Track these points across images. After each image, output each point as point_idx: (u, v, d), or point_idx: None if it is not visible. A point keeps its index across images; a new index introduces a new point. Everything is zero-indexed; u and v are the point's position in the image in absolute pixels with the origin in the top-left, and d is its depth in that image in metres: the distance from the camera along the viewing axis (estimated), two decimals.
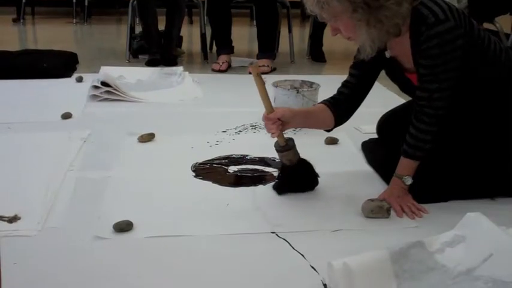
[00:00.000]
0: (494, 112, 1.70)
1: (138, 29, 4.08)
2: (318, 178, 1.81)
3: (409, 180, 1.66)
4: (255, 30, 3.81)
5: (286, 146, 1.72)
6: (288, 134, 2.32)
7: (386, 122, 2.06)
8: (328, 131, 1.91)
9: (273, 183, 1.81)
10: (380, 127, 2.08)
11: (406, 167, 1.66)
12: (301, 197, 1.74)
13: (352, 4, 1.50)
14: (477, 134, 1.72)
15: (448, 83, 1.58)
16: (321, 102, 1.86)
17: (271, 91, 2.45)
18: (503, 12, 3.54)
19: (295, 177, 1.76)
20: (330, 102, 1.83)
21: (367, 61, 1.69)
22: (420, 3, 1.56)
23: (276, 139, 1.73)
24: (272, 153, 2.07)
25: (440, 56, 1.55)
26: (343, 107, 1.83)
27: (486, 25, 3.47)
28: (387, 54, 1.73)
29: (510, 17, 3.90)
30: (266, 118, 1.69)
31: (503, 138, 1.73)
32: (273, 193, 1.76)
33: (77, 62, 3.64)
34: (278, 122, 1.68)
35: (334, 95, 1.85)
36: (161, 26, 3.76)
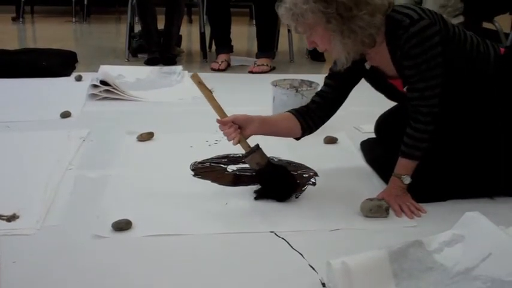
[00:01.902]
0: (488, 108, 1.71)
1: (138, 28, 4.08)
2: (309, 185, 1.80)
3: (407, 180, 1.66)
4: (254, 29, 3.81)
5: (250, 150, 1.71)
6: None
7: (384, 122, 2.06)
8: (297, 139, 1.87)
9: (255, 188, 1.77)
10: (378, 127, 2.08)
11: (404, 166, 1.66)
12: (300, 197, 1.74)
13: (325, 15, 1.53)
14: (476, 133, 1.72)
15: (435, 80, 1.60)
16: (289, 111, 1.84)
17: (270, 90, 2.45)
18: (503, 12, 3.54)
19: (271, 183, 1.72)
20: (298, 112, 1.82)
21: (343, 72, 1.70)
22: (392, 10, 1.60)
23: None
24: (271, 153, 2.08)
25: (422, 54, 1.57)
26: (314, 116, 1.83)
27: (485, 24, 3.47)
28: (367, 65, 1.75)
29: (509, 16, 3.90)
30: (220, 122, 1.69)
31: (502, 137, 1.73)
32: None
33: (76, 61, 3.64)
34: (234, 125, 1.68)
35: (308, 103, 1.86)
36: (160, 25, 3.76)
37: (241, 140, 1.70)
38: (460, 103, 1.70)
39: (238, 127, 1.69)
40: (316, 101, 1.84)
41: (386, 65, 1.70)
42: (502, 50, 1.75)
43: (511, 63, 1.71)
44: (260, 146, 1.73)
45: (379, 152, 2.00)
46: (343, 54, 1.61)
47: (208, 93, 1.71)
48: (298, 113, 1.82)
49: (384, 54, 1.66)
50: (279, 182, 1.72)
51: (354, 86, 1.84)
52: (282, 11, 1.59)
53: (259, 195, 1.72)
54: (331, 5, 1.52)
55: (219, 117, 1.70)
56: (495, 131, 1.72)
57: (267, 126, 1.78)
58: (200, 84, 1.71)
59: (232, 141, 1.69)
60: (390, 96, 1.87)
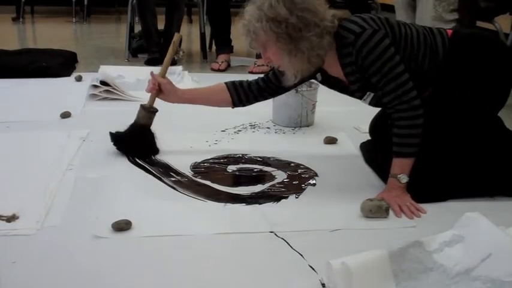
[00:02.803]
0: (470, 104, 1.71)
1: (138, 28, 4.08)
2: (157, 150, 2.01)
3: (404, 179, 1.66)
4: None
5: (148, 106, 1.99)
6: (287, 133, 2.34)
7: (377, 124, 2.06)
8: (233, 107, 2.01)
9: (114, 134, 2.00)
10: (372, 129, 2.09)
11: (398, 166, 1.67)
12: (300, 196, 1.74)
13: (275, 34, 1.61)
14: (475, 132, 1.72)
15: (403, 76, 1.63)
16: (226, 83, 1.99)
17: None
18: (503, 12, 3.53)
19: (130, 137, 1.98)
20: (234, 85, 1.97)
21: None
22: (339, 25, 1.66)
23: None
24: (271, 153, 2.08)
25: (378, 58, 1.62)
26: (250, 94, 1.96)
27: (485, 25, 3.47)
28: (318, 77, 1.85)
29: (509, 16, 3.90)
30: (152, 75, 1.96)
31: (502, 137, 1.73)
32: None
33: (76, 61, 3.64)
34: (156, 85, 1.95)
35: (252, 81, 1.97)
36: (160, 25, 3.76)
37: (152, 95, 1.99)
38: (434, 100, 1.72)
39: (161, 90, 1.96)
40: (259, 83, 1.96)
41: (343, 76, 1.75)
42: (450, 32, 1.77)
43: (457, 51, 1.73)
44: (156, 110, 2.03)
45: (378, 153, 2.00)
46: (291, 72, 1.69)
47: (171, 53, 2.01)
48: (233, 86, 1.97)
49: (338, 68, 1.73)
50: (134, 142, 1.98)
51: (298, 85, 1.96)
52: (240, 25, 1.70)
53: (116, 135, 1.98)
54: (281, 25, 1.60)
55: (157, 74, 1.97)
56: (493, 130, 1.72)
57: (191, 97, 2.03)
58: (174, 43, 2.01)
59: (146, 90, 1.98)
60: (342, 91, 1.88)
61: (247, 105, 2.01)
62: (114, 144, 2.00)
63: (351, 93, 1.81)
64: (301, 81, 1.86)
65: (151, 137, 2.03)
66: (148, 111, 2.01)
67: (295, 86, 1.93)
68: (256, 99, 1.99)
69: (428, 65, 1.70)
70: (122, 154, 2.01)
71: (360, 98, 1.79)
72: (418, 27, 1.75)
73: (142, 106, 2.01)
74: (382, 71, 1.63)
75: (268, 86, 1.94)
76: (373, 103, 1.78)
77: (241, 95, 1.96)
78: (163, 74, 1.98)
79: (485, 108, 1.75)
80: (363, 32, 1.62)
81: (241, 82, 1.98)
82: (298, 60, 1.65)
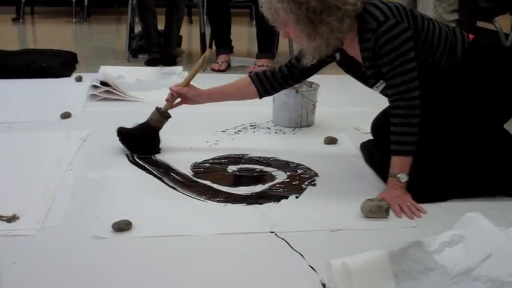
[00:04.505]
0: (475, 104, 1.72)
1: (138, 29, 4.08)
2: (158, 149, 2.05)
3: (404, 178, 1.66)
4: (254, 30, 3.81)
5: (161, 110, 2.03)
6: (288, 133, 2.34)
7: (379, 123, 2.06)
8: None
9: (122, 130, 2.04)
10: (374, 128, 2.09)
11: (397, 165, 1.67)
12: (300, 197, 1.74)
13: (295, 16, 1.62)
14: (475, 132, 1.72)
15: (411, 74, 1.64)
16: (250, 75, 2.03)
17: None
18: (503, 12, 3.53)
19: (140, 135, 2.03)
20: (258, 77, 2.00)
21: None
22: (363, 9, 1.65)
23: None
24: (271, 153, 2.08)
25: (393, 50, 1.63)
26: (275, 82, 1.99)
27: (485, 25, 3.47)
28: (337, 56, 1.84)
29: (509, 17, 3.90)
30: (171, 89, 2.04)
31: (502, 137, 1.73)
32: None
33: (77, 62, 3.64)
34: (176, 95, 2.02)
35: (275, 69, 2.01)
36: (161, 26, 3.76)
37: (170, 101, 2.04)
38: (442, 99, 1.72)
39: (187, 98, 2.03)
40: (282, 70, 1.98)
41: (360, 59, 1.75)
42: (471, 37, 1.77)
43: (478, 51, 1.73)
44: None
45: (378, 153, 2.00)
46: (309, 53, 1.71)
47: (200, 66, 2.04)
48: (257, 78, 2.00)
49: (357, 50, 1.72)
50: (139, 140, 2.02)
51: (322, 68, 1.96)
52: (261, 1, 1.69)
53: (123, 130, 2.03)
54: (302, 7, 1.60)
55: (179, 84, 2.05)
56: (494, 130, 1.72)
57: (217, 97, 2.07)
58: (205, 58, 2.04)
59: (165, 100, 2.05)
60: (358, 78, 1.90)
61: (274, 93, 2.07)
62: (119, 138, 2.03)
63: (365, 80, 1.82)
64: (320, 60, 1.84)
65: (157, 139, 2.07)
66: (162, 115, 2.04)
67: (317, 69, 1.94)
68: (282, 87, 2.02)
69: (445, 63, 1.71)
70: (122, 154, 2.01)
71: (373, 85, 1.78)
72: (441, 25, 1.75)
73: (157, 109, 2.05)
74: (394, 63, 1.63)
75: (292, 72, 1.96)
76: (383, 92, 1.77)
77: (266, 85, 1.99)
78: (186, 83, 2.02)
79: (493, 115, 1.75)
80: (386, 21, 1.62)
81: (264, 72, 2.01)
82: (317, 43, 1.67)
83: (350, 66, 1.87)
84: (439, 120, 1.71)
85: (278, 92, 2.07)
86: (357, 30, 1.68)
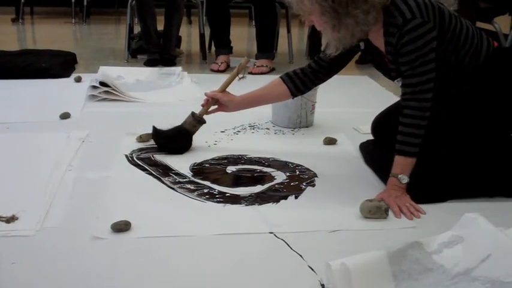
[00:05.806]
0: (484, 106, 1.71)
1: (137, 29, 4.08)
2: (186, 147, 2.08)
3: (405, 179, 1.66)
4: (254, 30, 3.81)
5: (197, 117, 2.06)
6: (287, 134, 2.34)
7: (380, 123, 2.06)
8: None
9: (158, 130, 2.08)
10: (374, 128, 2.09)
11: (400, 165, 1.67)
12: (299, 197, 1.74)
13: (321, 7, 1.61)
14: (475, 132, 1.72)
15: (427, 75, 1.63)
16: (281, 76, 2.02)
17: None
18: (502, 13, 3.54)
19: (172, 136, 2.07)
20: (289, 76, 1.99)
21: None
22: (391, 2, 1.63)
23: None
24: (271, 154, 2.08)
25: (415, 51, 1.61)
26: (306, 79, 1.97)
27: (485, 25, 3.48)
28: (361, 45, 1.82)
29: (509, 17, 3.91)
30: (206, 94, 2.06)
31: (502, 137, 1.73)
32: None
33: (76, 62, 3.65)
34: (211, 100, 2.05)
35: (305, 66, 1.99)
36: (160, 26, 3.76)
37: (206, 106, 2.06)
38: (454, 99, 1.71)
39: (221, 104, 2.05)
40: (312, 66, 1.97)
41: (384, 49, 1.74)
42: (496, 44, 1.77)
43: (501, 59, 1.73)
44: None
45: (378, 153, 2.00)
46: (332, 43, 1.70)
47: (236, 73, 2.07)
48: (288, 77, 1.99)
49: (382, 42, 1.71)
50: (174, 140, 2.06)
51: (351, 59, 1.96)
52: None
53: (158, 130, 2.08)
54: None
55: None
56: (494, 130, 1.72)
57: (249, 101, 2.08)
58: (241, 65, 2.08)
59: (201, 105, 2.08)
60: (385, 74, 1.89)
61: (307, 91, 2.05)
62: (153, 137, 2.09)
63: (387, 72, 1.81)
64: (347, 51, 1.82)
65: (188, 142, 2.10)
66: (196, 120, 2.06)
67: (345, 60, 1.94)
68: (313, 83, 2.00)
69: (467, 64, 1.70)
70: (122, 155, 2.01)
71: (394, 78, 1.78)
72: (469, 25, 1.74)
73: (192, 113, 2.08)
74: (414, 63, 1.62)
75: (321, 65, 1.95)
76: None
77: (297, 83, 1.98)
78: (222, 90, 2.05)
79: (503, 124, 1.76)
80: (412, 19, 1.60)
81: (294, 71, 2.00)
82: (342, 35, 1.65)
83: (373, 56, 1.85)
84: (444, 122, 1.70)
85: (310, 89, 2.04)
86: (383, 22, 1.66)
